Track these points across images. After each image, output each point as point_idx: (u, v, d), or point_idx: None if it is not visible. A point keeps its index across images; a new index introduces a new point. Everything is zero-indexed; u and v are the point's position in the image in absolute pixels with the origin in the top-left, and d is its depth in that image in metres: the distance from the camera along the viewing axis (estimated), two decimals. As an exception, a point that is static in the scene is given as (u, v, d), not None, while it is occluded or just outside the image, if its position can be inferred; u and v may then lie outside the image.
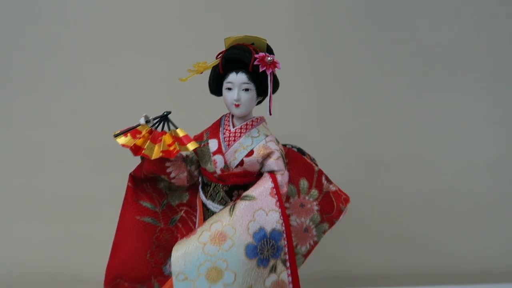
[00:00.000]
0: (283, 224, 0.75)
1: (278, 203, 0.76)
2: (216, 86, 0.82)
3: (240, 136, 0.81)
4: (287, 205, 0.82)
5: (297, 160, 0.85)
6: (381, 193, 1.27)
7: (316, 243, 0.85)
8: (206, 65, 0.81)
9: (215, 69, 0.81)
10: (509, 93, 1.26)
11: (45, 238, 1.25)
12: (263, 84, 0.79)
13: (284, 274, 0.75)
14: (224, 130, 0.83)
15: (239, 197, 0.78)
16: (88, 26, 1.18)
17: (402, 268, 1.30)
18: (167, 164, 0.82)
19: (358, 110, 1.25)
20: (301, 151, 0.88)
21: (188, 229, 0.86)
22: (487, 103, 1.26)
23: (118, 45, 1.19)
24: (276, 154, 0.80)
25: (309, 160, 0.86)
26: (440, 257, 1.30)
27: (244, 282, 0.72)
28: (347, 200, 0.86)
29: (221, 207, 0.81)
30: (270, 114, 0.80)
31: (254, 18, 1.20)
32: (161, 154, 0.78)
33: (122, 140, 0.79)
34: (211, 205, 0.83)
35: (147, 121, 0.82)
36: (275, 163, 0.80)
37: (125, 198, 0.85)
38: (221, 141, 0.82)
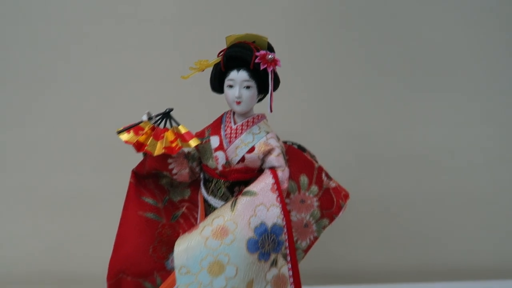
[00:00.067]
0: (284, 219, 0.76)
1: (279, 198, 0.77)
2: (217, 83, 0.83)
3: (241, 133, 0.83)
4: (287, 200, 0.83)
5: (297, 156, 0.86)
6: (380, 191, 1.28)
7: (316, 238, 0.86)
8: (207, 63, 0.82)
9: (216, 66, 0.82)
10: (510, 92, 1.27)
11: (46, 237, 1.26)
12: (264, 81, 0.80)
13: (285, 268, 0.76)
14: (226, 127, 0.84)
15: (240, 192, 0.79)
16: (89, 25, 1.19)
17: (402, 265, 1.31)
18: (169, 160, 0.84)
19: (358, 109, 1.26)
20: (301, 148, 0.89)
21: (190, 224, 0.87)
22: (487, 102, 1.27)
23: (119, 43, 1.20)
24: (277, 151, 0.82)
25: (309, 157, 0.87)
26: (440, 255, 1.31)
27: (246, 276, 0.73)
28: (346, 196, 0.87)
29: (222, 202, 0.82)
30: (271, 111, 0.81)
31: (254, 17, 1.21)
32: (163, 151, 0.79)
33: (125, 136, 0.80)
34: (212, 201, 0.84)
35: (150, 118, 0.83)
36: (276, 159, 0.81)
37: (127, 194, 0.86)
38: (222, 137, 0.83)
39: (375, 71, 1.24)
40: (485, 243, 1.32)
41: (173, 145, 0.79)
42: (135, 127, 0.81)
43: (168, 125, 0.83)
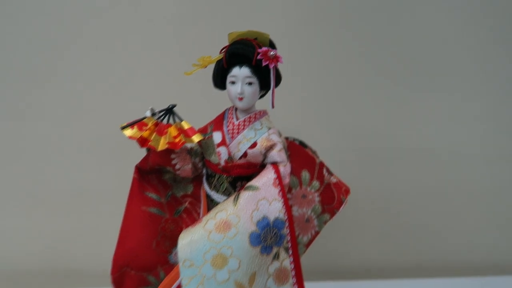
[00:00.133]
0: (286, 213, 0.77)
1: (280, 193, 0.78)
2: (220, 80, 0.84)
3: (243, 129, 0.84)
4: (289, 195, 0.84)
5: (299, 152, 0.87)
6: (380, 187, 1.29)
7: (317, 233, 0.86)
8: (210, 59, 0.82)
9: (219, 63, 0.83)
10: (509, 87, 1.28)
11: (48, 234, 1.26)
12: (265, 78, 0.81)
13: (286, 261, 0.77)
14: (228, 123, 0.85)
15: (242, 187, 0.80)
16: (92, 22, 1.20)
17: (402, 261, 1.31)
18: (173, 156, 0.85)
19: (358, 106, 1.26)
20: (302, 144, 0.89)
21: (193, 219, 0.88)
22: (486, 98, 1.28)
23: (119, 43, 1.21)
24: (279, 146, 0.83)
25: (310, 153, 0.88)
26: (440, 250, 1.32)
27: (248, 269, 0.74)
28: (347, 191, 0.88)
29: (225, 197, 0.83)
30: (273, 107, 0.83)
31: (255, 15, 1.21)
32: (167, 146, 0.80)
33: (129, 132, 0.81)
34: (215, 196, 0.85)
35: (153, 114, 0.84)
36: (278, 154, 0.82)
37: (131, 190, 0.88)
38: (225, 133, 0.84)
39: (375, 70, 1.25)
40: (485, 239, 1.32)
41: (176, 140, 0.80)
42: (138, 123, 0.82)
43: (171, 120, 0.84)
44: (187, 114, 0.85)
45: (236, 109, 0.85)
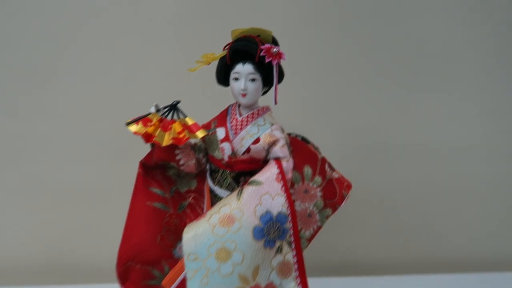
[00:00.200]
0: (289, 208, 0.78)
1: (283, 188, 0.79)
2: (223, 76, 0.85)
3: (246, 125, 0.84)
4: (291, 191, 0.85)
5: (301, 148, 0.88)
6: (381, 183, 1.30)
7: (319, 227, 0.87)
8: (214, 56, 0.83)
9: (222, 60, 0.84)
10: (509, 87, 1.29)
11: (54, 228, 1.27)
12: (268, 74, 0.82)
13: (289, 255, 0.78)
14: (231, 119, 0.86)
15: (246, 182, 0.81)
16: (92, 22, 1.20)
17: (403, 256, 1.32)
18: (177, 151, 0.86)
19: (359, 103, 1.27)
20: (305, 140, 0.90)
21: (196, 214, 0.89)
22: (488, 94, 1.28)
23: (122, 41, 1.22)
24: (281, 142, 0.84)
25: (312, 149, 0.89)
26: (441, 247, 1.33)
27: (252, 262, 0.75)
28: (349, 186, 0.89)
29: (228, 192, 0.84)
30: (276, 103, 0.83)
31: (255, 15, 1.22)
32: (171, 141, 0.81)
33: (133, 128, 0.82)
34: (218, 191, 0.86)
35: (158, 110, 0.85)
36: (281, 150, 0.83)
37: (135, 185, 0.89)
38: (228, 129, 0.85)
39: (375, 70, 1.25)
40: (486, 235, 1.33)
41: (181, 136, 0.81)
42: (143, 119, 0.83)
43: (175, 117, 0.85)
44: (190, 111, 0.86)
45: (239, 105, 0.86)
